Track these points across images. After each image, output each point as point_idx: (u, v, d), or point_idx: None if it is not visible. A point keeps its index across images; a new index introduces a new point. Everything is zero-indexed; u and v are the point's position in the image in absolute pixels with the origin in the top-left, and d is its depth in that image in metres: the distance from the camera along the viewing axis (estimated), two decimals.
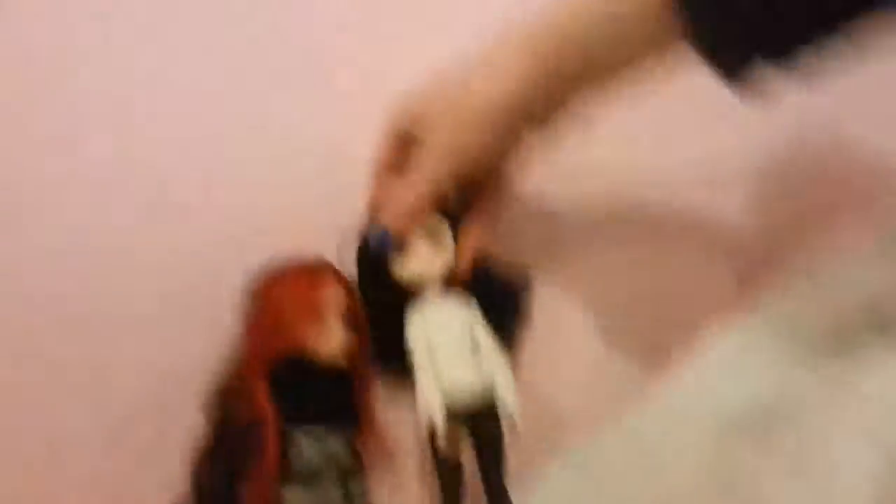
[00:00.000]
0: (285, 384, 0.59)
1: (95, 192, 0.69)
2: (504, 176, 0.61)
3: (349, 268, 0.63)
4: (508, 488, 0.56)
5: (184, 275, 0.67)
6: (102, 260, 0.67)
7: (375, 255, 0.60)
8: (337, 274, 0.62)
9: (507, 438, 0.56)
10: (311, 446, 0.59)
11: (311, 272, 0.61)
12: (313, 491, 0.59)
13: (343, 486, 0.61)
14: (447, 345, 0.57)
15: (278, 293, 0.60)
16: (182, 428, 0.59)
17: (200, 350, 0.62)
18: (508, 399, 0.55)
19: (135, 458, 0.61)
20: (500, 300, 0.63)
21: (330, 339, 0.59)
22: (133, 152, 0.69)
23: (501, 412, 0.55)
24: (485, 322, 0.58)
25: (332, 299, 0.60)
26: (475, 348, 0.57)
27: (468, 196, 0.60)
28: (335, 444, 0.60)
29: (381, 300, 0.62)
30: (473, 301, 0.58)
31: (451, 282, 0.60)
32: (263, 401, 0.57)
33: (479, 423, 0.56)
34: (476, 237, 0.58)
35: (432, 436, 0.55)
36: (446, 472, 0.56)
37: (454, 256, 0.59)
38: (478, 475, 0.56)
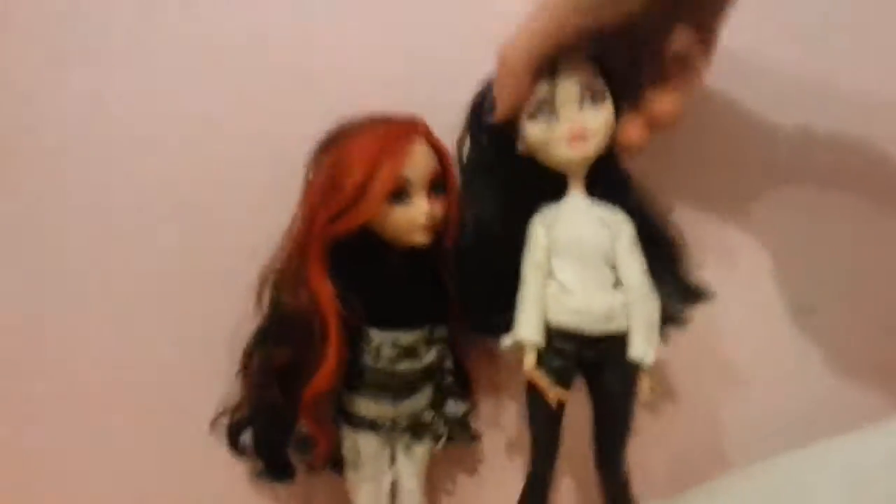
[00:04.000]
0: (357, 271, 0.47)
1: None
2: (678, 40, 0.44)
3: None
4: (624, 456, 0.44)
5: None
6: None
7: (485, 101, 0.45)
8: (426, 130, 0.47)
9: (635, 396, 0.43)
10: (389, 349, 0.48)
11: (392, 129, 0.46)
12: (389, 401, 0.49)
13: (434, 402, 0.51)
14: (576, 256, 0.43)
15: (348, 152, 0.45)
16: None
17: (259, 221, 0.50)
18: (640, 344, 0.42)
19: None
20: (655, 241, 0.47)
21: (411, 211, 0.46)
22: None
23: (630, 358, 0.43)
24: (639, 249, 0.44)
25: (417, 161, 0.46)
26: (611, 272, 0.43)
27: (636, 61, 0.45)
28: (425, 350, 0.49)
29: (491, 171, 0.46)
30: (629, 220, 0.44)
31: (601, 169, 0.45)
32: (322, 290, 0.46)
33: (599, 368, 0.44)
34: (652, 111, 0.44)
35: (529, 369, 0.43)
36: (540, 417, 0.44)
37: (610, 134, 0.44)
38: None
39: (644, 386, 0.43)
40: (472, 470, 0.57)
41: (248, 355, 0.49)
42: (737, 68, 0.50)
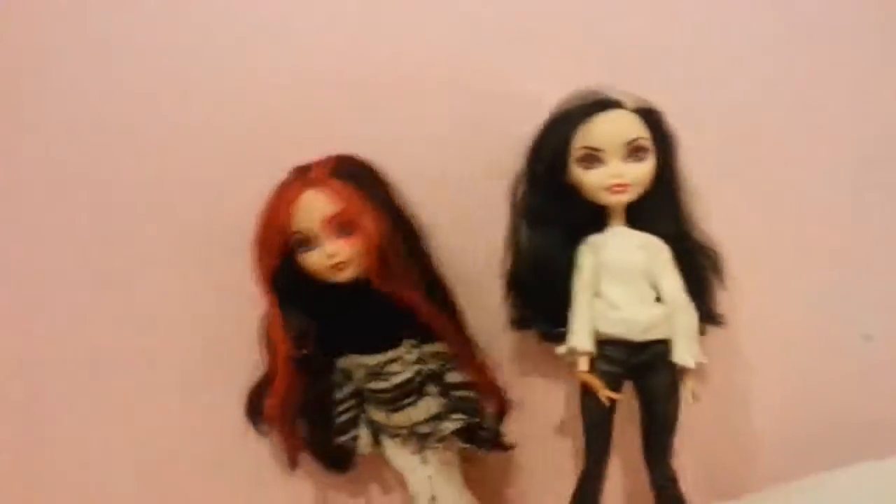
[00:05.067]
0: (309, 308, 0.52)
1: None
2: None
3: None
4: (671, 454, 0.49)
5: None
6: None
7: None
8: (323, 177, 0.49)
9: (678, 396, 0.48)
10: (356, 370, 0.53)
11: (286, 183, 0.50)
12: (386, 412, 0.52)
13: (437, 416, 0.52)
14: (620, 276, 0.49)
15: (268, 201, 0.50)
16: None
17: None
18: (681, 349, 0.48)
19: None
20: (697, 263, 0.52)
21: (317, 257, 0.49)
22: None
23: (673, 361, 0.48)
24: (675, 268, 0.50)
25: (308, 211, 0.48)
26: (653, 290, 0.49)
27: None
28: (396, 370, 0.51)
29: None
30: (666, 247, 0.50)
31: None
32: (274, 331, 0.52)
33: (645, 372, 0.49)
34: None
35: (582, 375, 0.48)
36: (593, 418, 0.49)
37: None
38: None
39: (687, 388, 0.48)
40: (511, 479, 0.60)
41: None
42: None
